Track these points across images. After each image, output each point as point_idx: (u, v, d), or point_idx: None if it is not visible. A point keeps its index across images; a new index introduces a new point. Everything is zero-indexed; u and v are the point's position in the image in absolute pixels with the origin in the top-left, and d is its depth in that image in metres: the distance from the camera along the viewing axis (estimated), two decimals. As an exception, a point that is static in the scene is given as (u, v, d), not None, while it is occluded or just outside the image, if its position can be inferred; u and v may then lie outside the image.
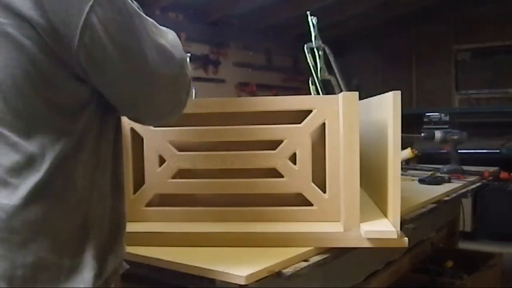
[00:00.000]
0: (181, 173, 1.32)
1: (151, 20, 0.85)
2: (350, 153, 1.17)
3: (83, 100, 0.81)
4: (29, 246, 0.76)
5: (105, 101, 0.84)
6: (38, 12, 0.73)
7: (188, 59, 1.79)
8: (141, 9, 0.85)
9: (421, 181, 2.20)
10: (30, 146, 0.77)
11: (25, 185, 0.77)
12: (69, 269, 0.78)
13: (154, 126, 1.27)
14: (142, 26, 0.81)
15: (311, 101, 1.28)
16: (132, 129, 1.31)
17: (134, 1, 0.84)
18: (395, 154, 1.18)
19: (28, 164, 0.77)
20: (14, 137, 0.77)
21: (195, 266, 1.05)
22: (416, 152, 2.51)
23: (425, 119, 4.73)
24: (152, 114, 0.91)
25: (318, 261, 1.14)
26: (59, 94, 0.78)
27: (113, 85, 0.82)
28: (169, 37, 0.89)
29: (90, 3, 0.75)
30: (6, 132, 0.77)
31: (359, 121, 1.17)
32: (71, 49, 0.75)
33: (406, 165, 2.71)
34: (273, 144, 1.28)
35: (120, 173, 0.92)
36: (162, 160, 1.31)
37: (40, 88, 0.77)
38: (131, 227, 1.26)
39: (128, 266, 0.94)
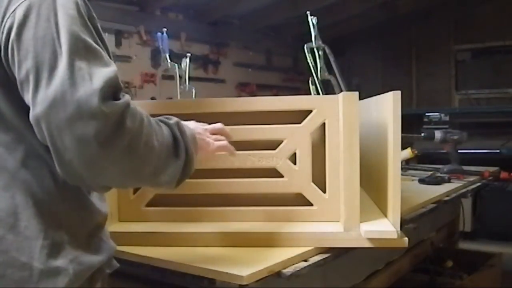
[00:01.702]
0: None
1: (91, 45, 0.75)
2: (350, 153, 1.17)
3: None
4: (0, 244, 0.76)
5: None
6: None
7: (188, 60, 1.80)
8: (99, 31, 0.79)
9: (421, 181, 2.20)
10: None
11: None
12: (42, 272, 0.77)
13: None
14: (67, 42, 0.72)
15: (311, 101, 1.28)
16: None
17: (87, 20, 0.77)
18: (395, 154, 1.18)
19: None
20: None
21: (195, 266, 1.05)
22: (416, 152, 2.51)
23: (425, 119, 4.72)
24: (55, 152, 0.72)
25: (318, 261, 1.14)
26: (11, 92, 0.77)
27: (22, 94, 0.74)
28: (102, 70, 0.73)
29: (20, 2, 0.74)
30: None
31: (359, 121, 1.17)
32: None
33: (406, 165, 2.72)
34: (273, 144, 1.28)
35: None
36: (162, 160, 1.31)
37: None
38: (131, 227, 1.27)
39: (118, 265, 0.93)
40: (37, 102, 0.71)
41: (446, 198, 1.96)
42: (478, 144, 4.21)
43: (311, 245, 1.17)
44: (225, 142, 1.07)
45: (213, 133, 1.06)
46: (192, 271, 1.05)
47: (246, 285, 0.98)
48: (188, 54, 1.83)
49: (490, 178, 2.52)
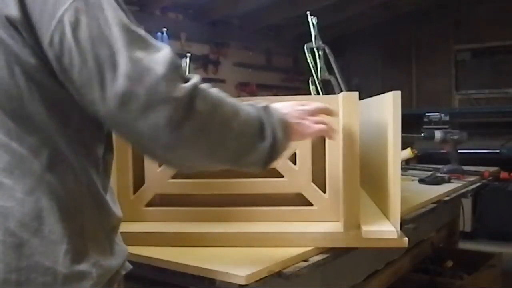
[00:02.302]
0: (181, 173, 1.32)
1: (140, 33, 0.77)
2: (350, 153, 1.17)
3: (70, 103, 0.78)
4: (24, 248, 0.75)
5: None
6: (19, 8, 0.73)
7: (188, 60, 1.80)
8: (132, 20, 0.80)
9: (421, 181, 2.20)
10: (20, 147, 0.77)
11: (19, 187, 0.76)
12: (66, 276, 0.77)
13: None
14: (120, 36, 0.73)
15: (311, 101, 1.28)
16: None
17: (125, 11, 0.79)
18: (395, 154, 1.18)
19: (20, 164, 0.76)
20: (3, 138, 0.76)
21: (195, 266, 1.05)
22: (416, 152, 2.51)
23: (425, 119, 4.73)
24: (134, 141, 0.78)
25: (318, 261, 1.14)
26: (46, 95, 0.77)
27: (82, 95, 0.75)
28: (159, 55, 0.75)
29: (66, 5, 0.73)
30: None
31: (359, 121, 1.17)
32: (44, 49, 0.75)
33: (406, 165, 2.72)
34: (273, 144, 1.28)
35: (108, 173, 0.90)
36: (162, 160, 1.31)
37: (27, 89, 0.76)
38: (131, 227, 1.27)
39: (131, 267, 0.93)
40: (107, 100, 0.71)
41: (446, 198, 1.96)
42: (478, 144, 4.22)
43: (311, 245, 1.16)
44: (323, 126, 1.02)
45: (314, 114, 1.03)
46: (192, 271, 1.05)
47: (246, 285, 0.98)
48: (188, 54, 1.84)
49: (490, 178, 2.52)
